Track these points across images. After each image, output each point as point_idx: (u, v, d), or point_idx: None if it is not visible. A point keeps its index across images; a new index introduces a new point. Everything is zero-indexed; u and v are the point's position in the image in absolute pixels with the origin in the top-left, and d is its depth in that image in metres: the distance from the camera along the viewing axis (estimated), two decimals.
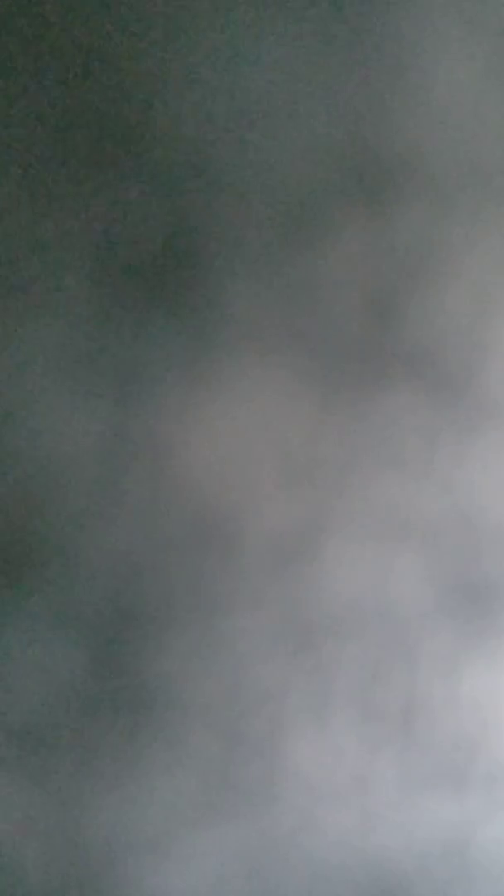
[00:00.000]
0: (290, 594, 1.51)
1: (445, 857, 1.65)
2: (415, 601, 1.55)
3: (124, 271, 1.38)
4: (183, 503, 1.45)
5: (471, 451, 1.53)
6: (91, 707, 1.48)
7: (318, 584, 1.52)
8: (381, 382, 1.48)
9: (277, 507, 1.48)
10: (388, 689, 1.58)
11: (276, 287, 1.42)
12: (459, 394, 1.51)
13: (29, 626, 1.43)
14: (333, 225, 1.42)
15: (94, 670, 1.47)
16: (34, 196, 1.33)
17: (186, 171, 1.37)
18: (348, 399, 1.47)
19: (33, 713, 1.46)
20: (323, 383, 1.46)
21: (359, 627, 1.54)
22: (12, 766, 1.47)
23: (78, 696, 1.47)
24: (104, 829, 1.52)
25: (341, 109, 1.39)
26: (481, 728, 1.63)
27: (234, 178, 1.38)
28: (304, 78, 1.38)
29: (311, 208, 1.41)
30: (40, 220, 1.34)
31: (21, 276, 1.35)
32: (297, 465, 1.48)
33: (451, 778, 1.63)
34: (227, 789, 1.55)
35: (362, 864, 1.62)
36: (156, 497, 1.44)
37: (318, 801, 1.58)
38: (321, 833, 1.60)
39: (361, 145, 1.41)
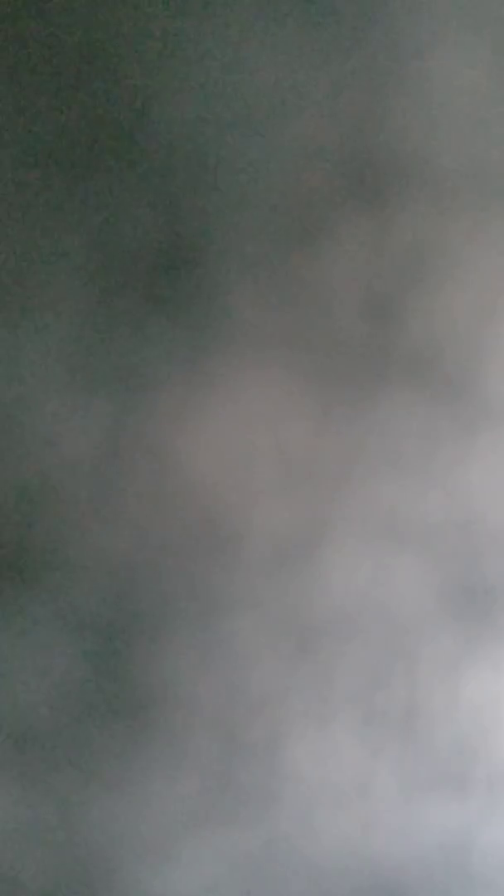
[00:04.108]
0: (290, 596, 1.51)
1: (446, 860, 1.64)
2: (414, 603, 1.55)
3: (124, 272, 1.38)
4: (182, 504, 1.45)
5: (470, 452, 1.53)
6: (91, 709, 1.47)
7: (318, 586, 1.51)
8: (381, 383, 1.48)
9: (277, 508, 1.48)
10: (388, 691, 1.57)
11: (275, 287, 1.42)
12: (459, 394, 1.51)
13: (29, 628, 1.43)
14: (333, 225, 1.43)
15: (93, 672, 1.46)
16: (34, 199, 1.34)
17: (186, 173, 1.37)
18: (348, 399, 1.47)
19: (33, 715, 1.46)
20: (323, 383, 1.46)
21: (358, 630, 1.54)
22: (12, 767, 1.46)
23: (78, 697, 1.46)
24: (103, 831, 1.51)
25: (341, 110, 1.40)
26: (481, 731, 1.62)
27: (233, 177, 1.38)
28: (303, 79, 1.38)
29: (311, 209, 1.41)
30: (40, 222, 1.34)
31: (21, 278, 1.35)
32: (297, 465, 1.48)
33: (451, 781, 1.62)
34: (227, 792, 1.54)
35: (362, 868, 1.61)
36: (155, 498, 1.44)
37: (317, 805, 1.58)
38: (321, 836, 1.59)
39: (361, 146, 1.41)
